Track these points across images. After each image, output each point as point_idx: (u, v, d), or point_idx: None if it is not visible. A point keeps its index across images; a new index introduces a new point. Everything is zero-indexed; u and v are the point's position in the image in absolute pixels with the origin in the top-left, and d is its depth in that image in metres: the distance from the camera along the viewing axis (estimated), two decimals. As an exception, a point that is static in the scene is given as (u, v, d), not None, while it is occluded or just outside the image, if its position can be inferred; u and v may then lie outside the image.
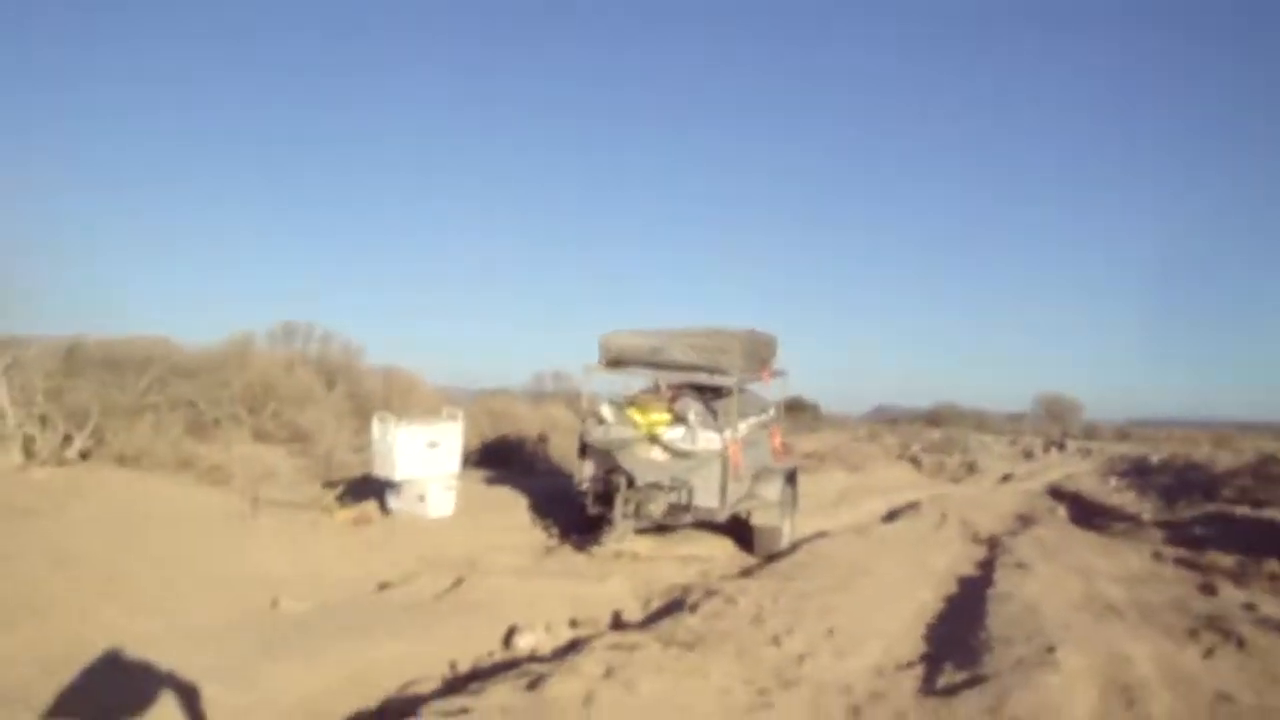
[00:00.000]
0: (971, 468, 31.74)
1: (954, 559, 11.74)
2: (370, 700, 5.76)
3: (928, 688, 6.06)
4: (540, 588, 8.68)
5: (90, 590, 7.30)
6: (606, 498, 10.65)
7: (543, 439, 19.11)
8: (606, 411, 11.10)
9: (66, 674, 5.07)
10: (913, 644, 7.45)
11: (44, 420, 12.39)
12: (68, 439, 12.54)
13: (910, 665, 6.73)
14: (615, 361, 11.59)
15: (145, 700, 4.81)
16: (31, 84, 68.84)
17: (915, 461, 32.74)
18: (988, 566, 10.84)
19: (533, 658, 6.62)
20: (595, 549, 10.39)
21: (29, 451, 12.00)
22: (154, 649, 5.47)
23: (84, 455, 12.70)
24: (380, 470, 11.22)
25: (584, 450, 11.34)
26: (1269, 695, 5.96)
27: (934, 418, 55.65)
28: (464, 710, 4.60)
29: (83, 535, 8.49)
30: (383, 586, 8.87)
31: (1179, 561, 11.78)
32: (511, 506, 12.63)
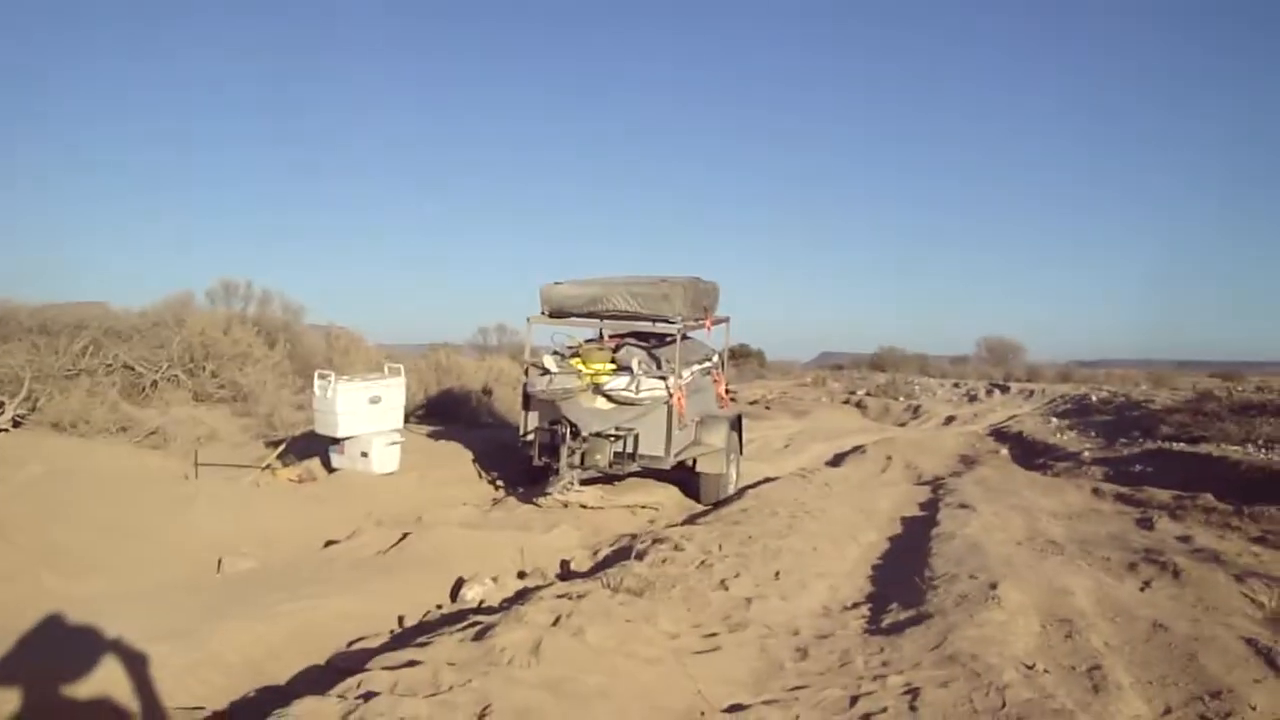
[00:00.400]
0: (916, 411, 32.07)
1: (898, 501, 11.87)
2: (317, 656, 5.72)
3: (873, 627, 6.14)
4: (487, 540, 8.66)
5: (29, 557, 7.18)
6: (551, 449, 10.62)
7: (487, 392, 19.06)
8: (549, 362, 11.05)
9: (7, 641, 5.00)
10: (858, 585, 7.54)
11: (-26, 388, 12.18)
12: (0, 406, 12.36)
13: (856, 605, 6.81)
14: (557, 312, 11.52)
15: (89, 663, 4.75)
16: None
17: (860, 406, 33.04)
18: (931, 507, 10.97)
19: (480, 609, 6.63)
20: (541, 500, 10.35)
21: (-46, 422, 11.79)
22: (96, 613, 5.38)
23: (17, 423, 12.54)
24: (323, 428, 11.14)
25: (528, 402, 11.29)
26: (1203, 624, 6.09)
27: (878, 362, 56.00)
28: (411, 663, 4.58)
29: (18, 503, 8.33)
30: (328, 544, 8.82)
31: (1118, 498, 12.00)
32: (457, 460, 12.59)
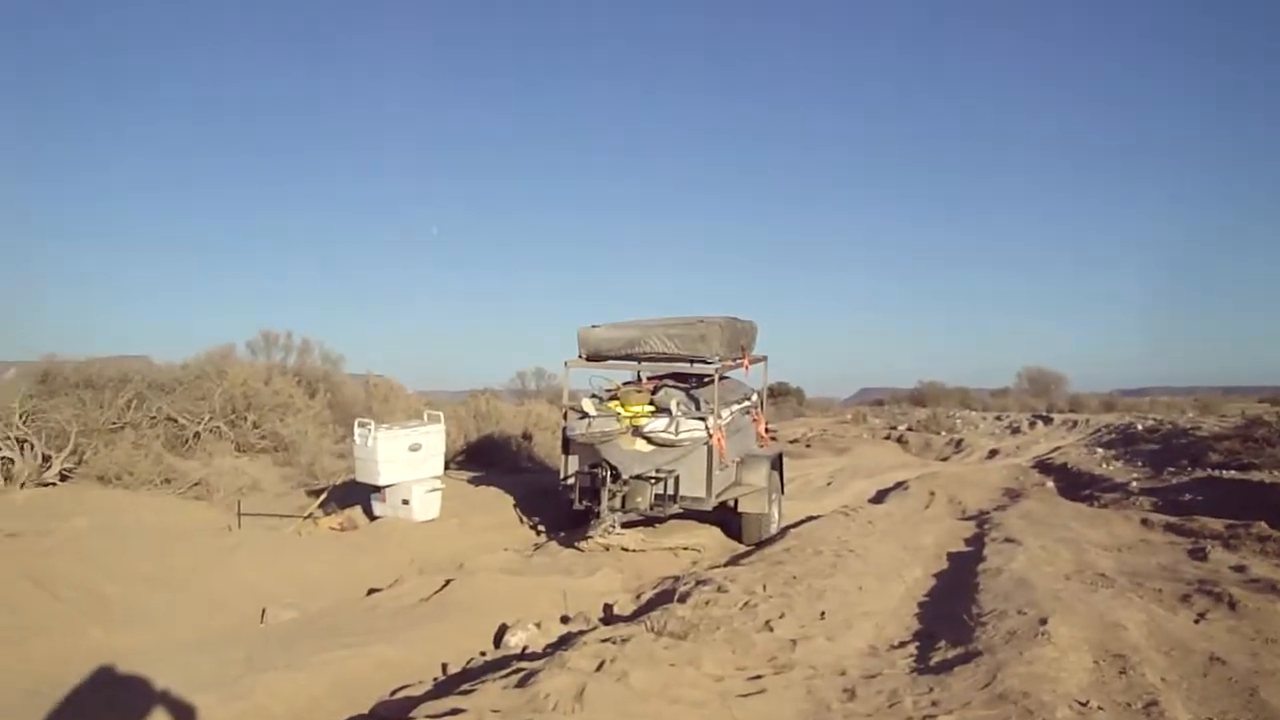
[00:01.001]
0: (958, 445, 31.80)
1: (943, 536, 11.73)
2: (360, 706, 5.71)
3: (921, 666, 6.04)
4: (529, 585, 8.64)
5: (75, 610, 7.24)
6: (592, 492, 10.58)
7: (527, 437, 19.09)
8: (588, 405, 11.05)
9: (54, 695, 5.02)
10: (905, 622, 7.44)
11: (21, 443, 12.36)
12: (46, 460, 12.52)
13: (903, 644, 6.71)
14: (594, 355, 11.54)
15: (136, 714, 4.77)
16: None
17: (902, 441, 32.80)
18: (977, 542, 10.83)
19: (524, 655, 6.58)
20: (583, 544, 10.31)
21: (8, 475, 11.97)
22: (142, 665, 5.41)
23: (64, 476, 12.68)
24: (364, 476, 11.18)
25: (567, 445, 11.28)
26: (1263, 657, 5.96)
27: (918, 397, 55.69)
28: (455, 711, 4.55)
29: (65, 556, 8.41)
30: (370, 592, 8.83)
31: (1168, 528, 11.80)
32: (497, 506, 12.59)
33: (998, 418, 43.12)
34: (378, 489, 11.17)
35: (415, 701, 5.28)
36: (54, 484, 12.37)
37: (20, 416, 12.66)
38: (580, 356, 11.61)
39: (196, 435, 16.70)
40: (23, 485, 12.00)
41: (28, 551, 8.72)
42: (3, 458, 12.07)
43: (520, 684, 4.97)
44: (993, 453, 29.54)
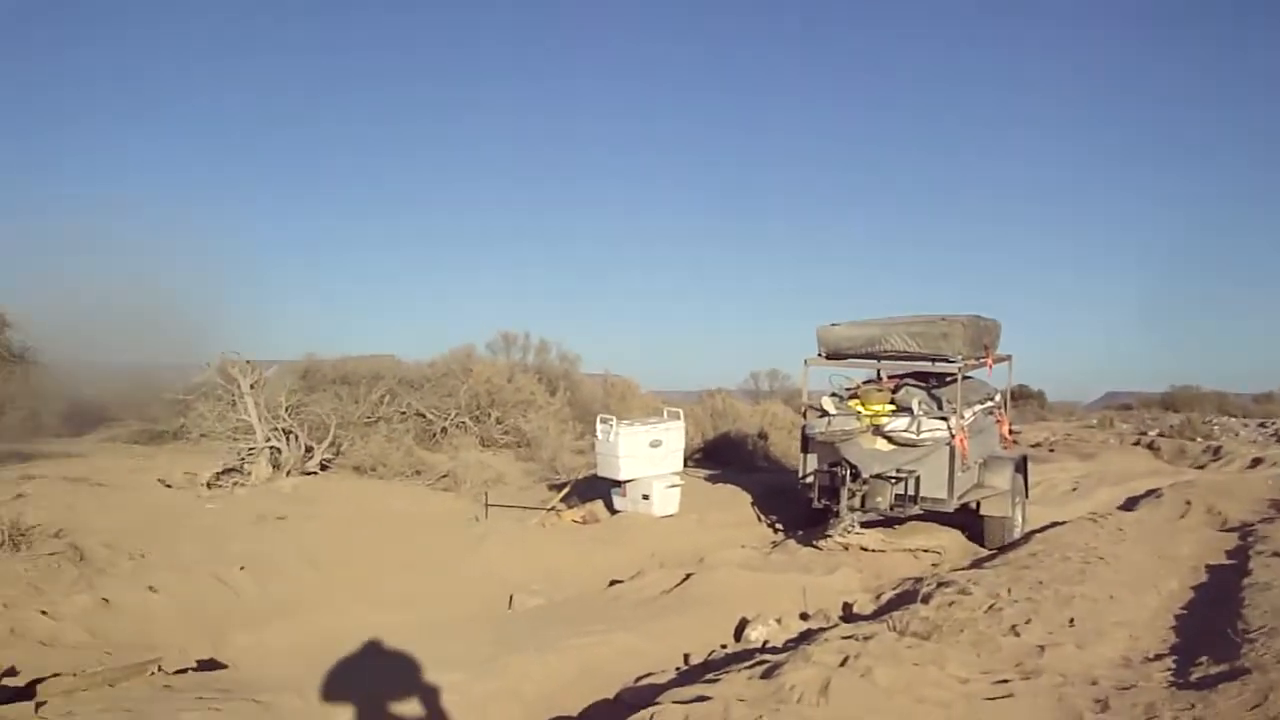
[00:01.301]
0: (1216, 453, 29.99)
1: (1201, 547, 11.10)
2: (606, 691, 5.85)
3: (1180, 680, 5.73)
4: (769, 581, 8.65)
5: (340, 589, 7.73)
6: (831, 491, 10.50)
7: (763, 436, 19.09)
8: (828, 404, 10.96)
9: (326, 664, 5.33)
10: (1160, 634, 7.08)
11: (287, 434, 13.22)
12: (309, 451, 13.35)
13: (1159, 657, 6.39)
14: (834, 354, 11.44)
15: (402, 687, 5.05)
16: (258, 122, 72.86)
17: (1153, 448, 31.19)
18: (1241, 555, 10.19)
19: (765, 649, 6.61)
20: (822, 542, 10.24)
21: (276, 463, 12.84)
22: (403, 642, 5.69)
23: (324, 466, 13.52)
24: (605, 471, 11.43)
25: (806, 444, 11.22)
26: None
27: (1170, 401, 52.76)
28: (701, 698, 4.61)
29: (330, 540, 8.99)
30: (612, 583, 9.03)
31: None
32: (735, 503, 12.65)
33: (1261, 424, 40.41)
34: (618, 484, 11.40)
35: (660, 689, 5.37)
36: (315, 473, 13.17)
37: (285, 410, 13.52)
38: (819, 355, 11.52)
39: (444, 430, 17.45)
40: (288, 473, 12.82)
41: (297, 535, 9.36)
42: (271, 447, 12.90)
43: (765, 675, 5.00)
44: (1256, 461, 27.70)
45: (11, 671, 5.65)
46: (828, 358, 11.49)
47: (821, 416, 10.91)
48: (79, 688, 5.18)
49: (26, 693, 5.19)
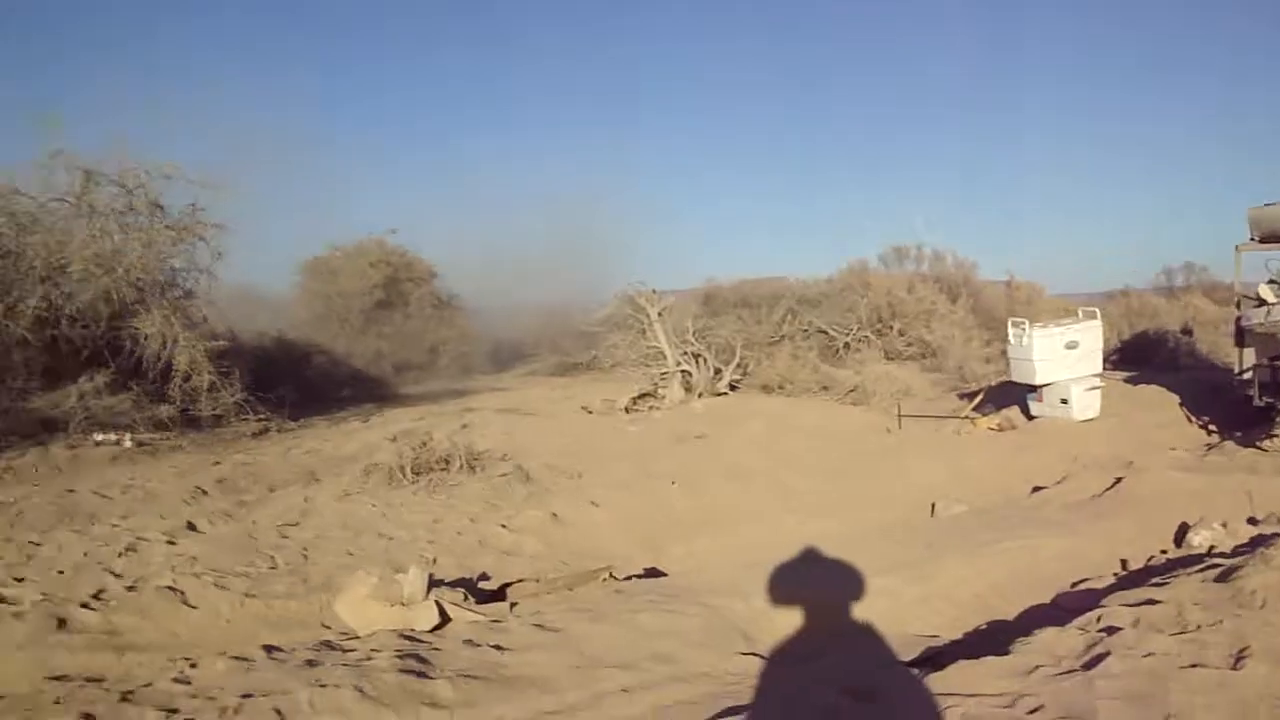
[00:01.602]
0: None
1: None
2: (1039, 595, 5.75)
3: None
4: (1207, 484, 8.13)
5: (765, 501, 8.07)
6: (1274, 387, 9.69)
7: (1186, 332, 17.92)
8: (1267, 292, 10.08)
9: (762, 571, 5.55)
10: None
11: (696, 358, 13.79)
12: (718, 373, 13.87)
13: None
14: (1269, 236, 10.45)
15: (834, 591, 5.18)
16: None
17: None
18: None
19: (1210, 554, 6.23)
20: (1266, 443, 9.45)
21: (688, 386, 13.45)
22: (834, 548, 5.82)
23: (734, 386, 14.02)
24: (1019, 376, 11.12)
25: (1242, 337, 10.39)
26: None
27: None
28: (1150, 601, 4.44)
29: (749, 455, 9.33)
30: (1035, 489, 8.81)
31: None
32: (1160, 404, 11.94)
33: None
34: (1034, 388, 11.07)
35: (1099, 594, 5.21)
36: (725, 394, 13.66)
37: (692, 334, 14.07)
38: (1252, 239, 10.58)
39: (846, 345, 17.53)
40: (700, 395, 13.38)
41: (717, 452, 9.79)
42: (682, 371, 13.49)
43: (1220, 579, 4.72)
44: None
45: (484, 576, 6.33)
46: (1262, 241, 10.53)
47: (1259, 306, 10.06)
48: (543, 591, 5.74)
49: (499, 595, 5.81)
